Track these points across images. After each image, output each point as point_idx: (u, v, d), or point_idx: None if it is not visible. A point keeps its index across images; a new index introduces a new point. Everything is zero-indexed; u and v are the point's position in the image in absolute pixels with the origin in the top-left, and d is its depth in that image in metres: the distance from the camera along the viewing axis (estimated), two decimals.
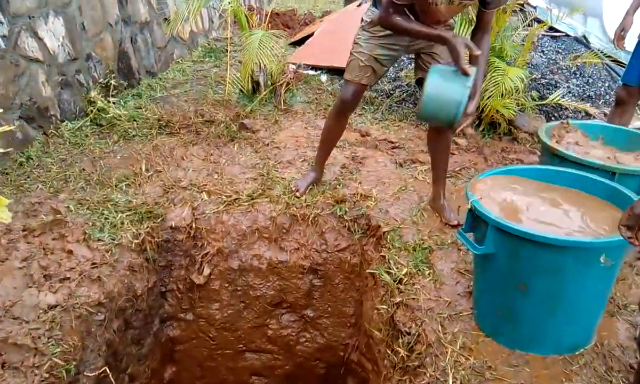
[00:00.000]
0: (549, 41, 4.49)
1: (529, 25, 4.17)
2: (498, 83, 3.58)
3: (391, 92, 4.61)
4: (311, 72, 5.26)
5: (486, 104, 3.74)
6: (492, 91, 3.65)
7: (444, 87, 2.06)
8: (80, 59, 3.74)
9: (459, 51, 2.08)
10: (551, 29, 4.54)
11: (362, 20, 2.55)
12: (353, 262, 2.83)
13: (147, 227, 2.71)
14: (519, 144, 3.81)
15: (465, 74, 2.06)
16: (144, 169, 3.20)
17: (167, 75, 4.96)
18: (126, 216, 2.73)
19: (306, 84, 5.00)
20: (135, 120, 3.80)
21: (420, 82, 2.61)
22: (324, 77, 5.15)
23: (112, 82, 3.99)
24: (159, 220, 2.81)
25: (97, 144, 3.47)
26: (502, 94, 3.57)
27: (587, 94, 4.22)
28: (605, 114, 4.01)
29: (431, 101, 2.07)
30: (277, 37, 4.35)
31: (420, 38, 2.37)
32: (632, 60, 3.26)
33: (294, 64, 5.33)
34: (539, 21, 4.24)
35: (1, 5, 2.98)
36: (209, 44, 6.09)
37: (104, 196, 2.88)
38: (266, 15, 4.82)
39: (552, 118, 4.05)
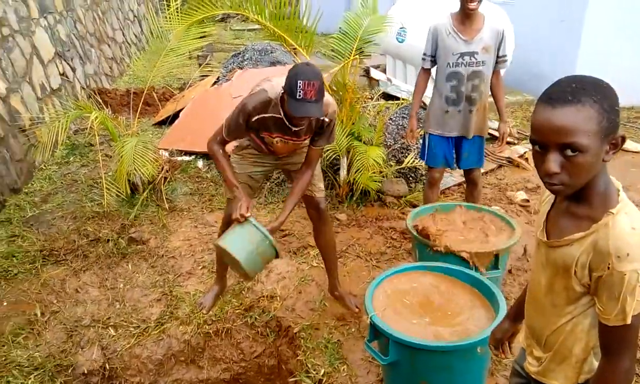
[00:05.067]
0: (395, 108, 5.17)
1: (377, 100, 4.79)
2: (362, 162, 4.10)
3: (269, 174, 4.91)
4: (186, 158, 5.36)
5: (355, 179, 4.24)
6: (358, 168, 4.16)
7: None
8: None
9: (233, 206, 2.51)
10: (397, 98, 5.22)
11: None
12: (271, 364, 3.06)
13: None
14: (388, 208, 4.35)
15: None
16: (39, 314, 3.10)
17: (34, 187, 4.72)
18: (35, 377, 2.66)
19: (184, 172, 5.10)
20: (14, 256, 3.61)
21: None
22: (200, 163, 5.27)
23: None
24: (69, 370, 2.78)
25: None
26: (368, 169, 4.10)
27: None
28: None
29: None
30: (148, 143, 4.42)
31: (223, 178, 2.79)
32: (431, 147, 3.49)
33: (165, 149, 5.39)
34: (388, 96, 4.87)
35: None
36: (69, 139, 5.86)
37: (3, 357, 2.76)
38: (135, 114, 4.86)
39: (410, 178, 4.69)
